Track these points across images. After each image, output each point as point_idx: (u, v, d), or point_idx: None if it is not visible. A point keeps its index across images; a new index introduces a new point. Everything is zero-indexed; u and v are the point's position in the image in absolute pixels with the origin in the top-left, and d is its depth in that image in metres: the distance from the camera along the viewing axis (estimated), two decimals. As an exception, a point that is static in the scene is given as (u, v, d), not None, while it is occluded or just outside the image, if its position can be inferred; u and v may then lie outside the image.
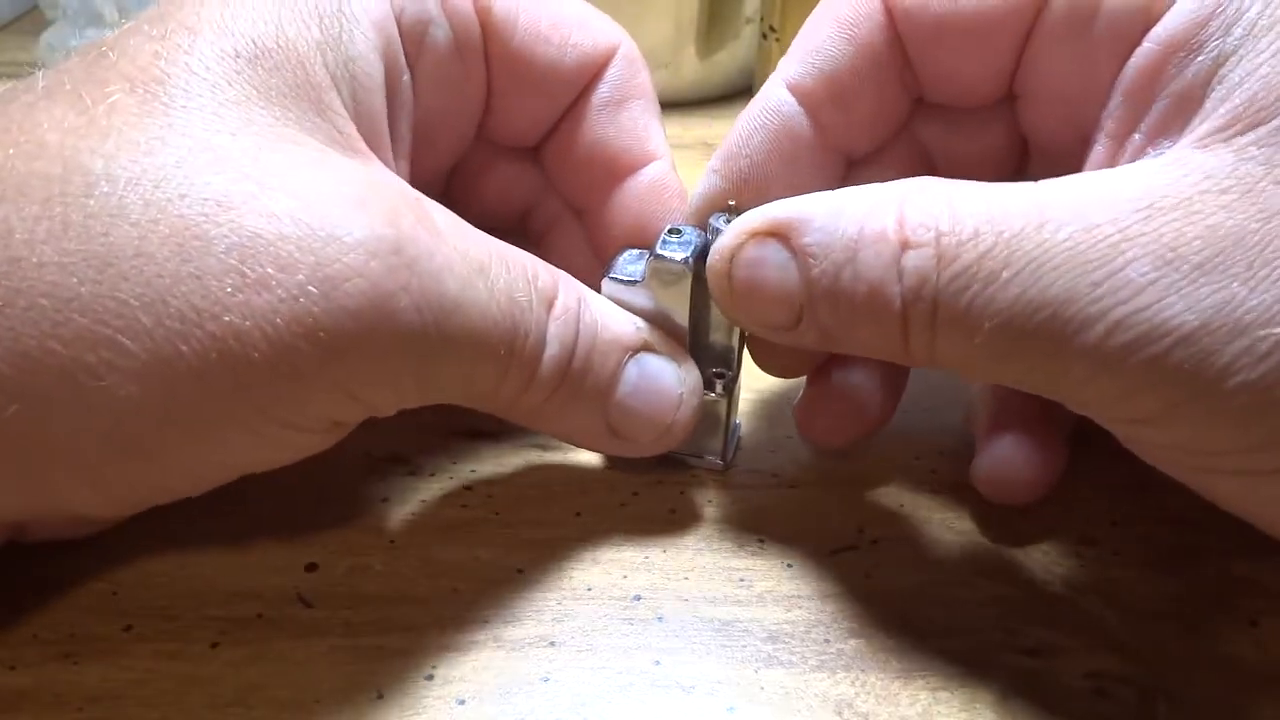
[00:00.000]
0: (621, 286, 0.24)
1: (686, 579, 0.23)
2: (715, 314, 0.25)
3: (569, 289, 0.23)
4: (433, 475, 0.26)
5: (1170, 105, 0.19)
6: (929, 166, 0.25)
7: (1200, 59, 0.19)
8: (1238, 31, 0.18)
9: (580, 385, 0.23)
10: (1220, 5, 0.19)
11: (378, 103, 0.22)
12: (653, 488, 0.26)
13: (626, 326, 0.24)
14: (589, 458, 0.27)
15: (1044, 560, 0.24)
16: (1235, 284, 0.17)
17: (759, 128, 0.23)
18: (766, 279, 0.21)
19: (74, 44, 0.50)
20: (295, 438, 0.20)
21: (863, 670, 0.21)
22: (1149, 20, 0.20)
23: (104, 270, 0.17)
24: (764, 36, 0.47)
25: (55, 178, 0.18)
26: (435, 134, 0.25)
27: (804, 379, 0.27)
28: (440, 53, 0.24)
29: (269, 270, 0.18)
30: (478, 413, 0.23)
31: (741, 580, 0.23)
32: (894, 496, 0.26)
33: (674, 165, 0.26)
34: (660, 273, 0.24)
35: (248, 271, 0.18)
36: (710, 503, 0.26)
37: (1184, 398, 0.17)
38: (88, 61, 0.20)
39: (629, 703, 0.21)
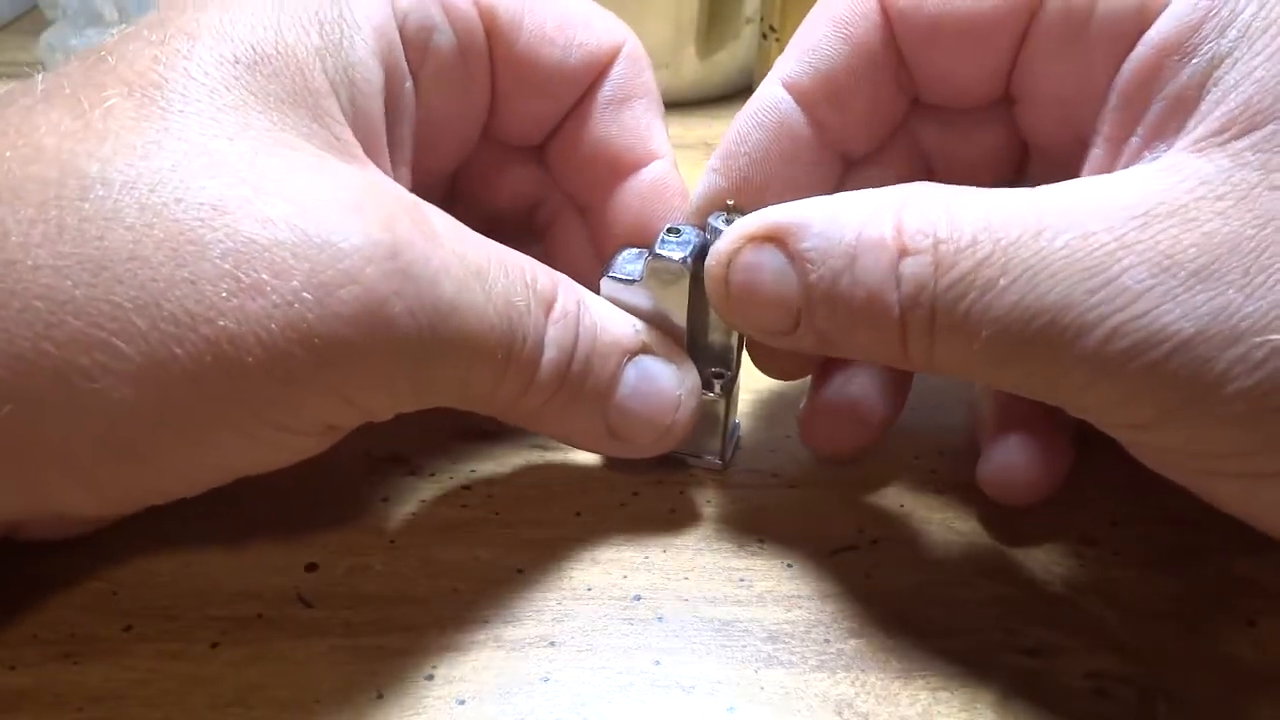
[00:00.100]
0: (620, 285, 0.24)
1: (686, 579, 0.23)
2: (714, 314, 0.25)
3: (568, 292, 0.23)
4: (433, 475, 0.26)
5: (1166, 108, 0.19)
6: (927, 167, 0.25)
7: (1195, 61, 0.19)
8: (1232, 34, 0.18)
9: (580, 388, 0.23)
10: (1214, 8, 0.19)
11: (377, 108, 0.22)
12: (653, 488, 0.26)
13: (625, 329, 0.24)
14: (589, 458, 0.27)
15: (1044, 560, 0.24)
16: (1231, 290, 0.17)
17: (757, 126, 0.24)
18: (764, 283, 0.21)
19: (74, 44, 0.50)
20: (290, 441, 0.20)
21: (863, 670, 0.21)
22: (1143, 23, 0.20)
23: (98, 274, 0.18)
24: (764, 36, 0.47)
25: (51, 181, 0.18)
26: (439, 137, 0.25)
27: (805, 382, 0.27)
28: (444, 58, 0.24)
29: (264, 276, 0.18)
30: (478, 413, 0.23)
31: (741, 580, 0.23)
32: (894, 496, 0.26)
33: (676, 164, 0.27)
34: (659, 272, 0.24)
35: (242, 277, 0.18)
36: (710, 503, 0.26)
37: (1182, 403, 0.17)
38: (86, 66, 0.20)
39: (629, 703, 0.21)
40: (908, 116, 0.25)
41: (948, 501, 0.26)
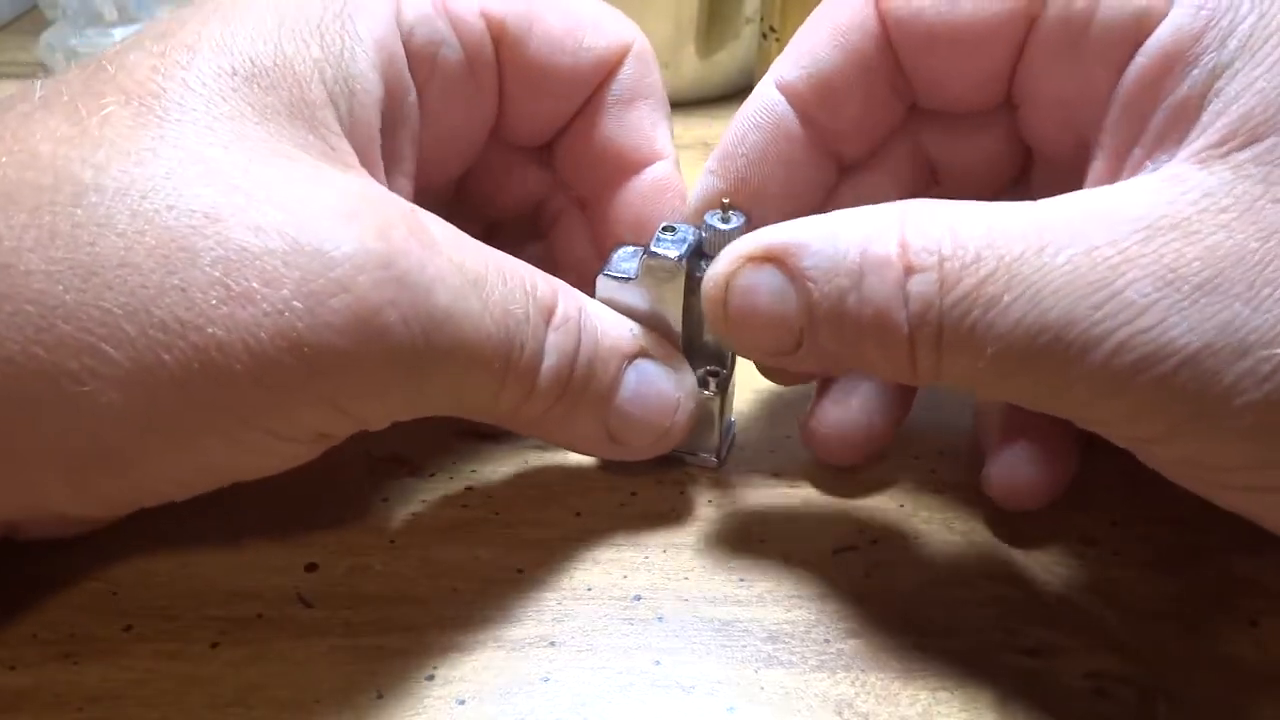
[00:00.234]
0: (616, 283, 0.24)
1: (686, 579, 0.23)
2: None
3: (569, 298, 0.23)
4: (433, 475, 0.26)
5: (1167, 118, 0.19)
6: (928, 171, 0.25)
7: (1196, 72, 0.18)
8: (1233, 44, 0.18)
9: (582, 393, 0.23)
10: (1215, 18, 0.18)
11: (376, 119, 0.22)
12: (653, 488, 0.26)
13: (624, 333, 0.24)
14: (588, 458, 0.27)
15: (1044, 560, 0.24)
16: (1237, 304, 0.16)
17: (753, 127, 0.24)
18: (763, 304, 0.20)
19: (74, 44, 0.50)
20: (280, 448, 0.20)
21: (863, 670, 0.21)
22: (1142, 32, 0.20)
23: (89, 279, 0.18)
24: (764, 36, 0.47)
25: (45, 187, 0.18)
26: (445, 145, 0.25)
27: (806, 385, 0.27)
28: (451, 71, 0.24)
29: (254, 285, 0.18)
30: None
31: (741, 580, 0.23)
32: (894, 496, 0.26)
33: (678, 164, 0.27)
34: (654, 270, 0.24)
35: (232, 285, 0.18)
36: (710, 503, 0.26)
37: (1190, 417, 0.17)
38: (86, 74, 0.20)
39: (629, 703, 0.21)
40: (909, 120, 0.25)
41: (948, 501, 0.26)
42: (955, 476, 0.26)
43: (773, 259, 0.20)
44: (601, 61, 0.26)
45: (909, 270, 0.18)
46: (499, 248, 0.22)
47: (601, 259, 0.25)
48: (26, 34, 0.61)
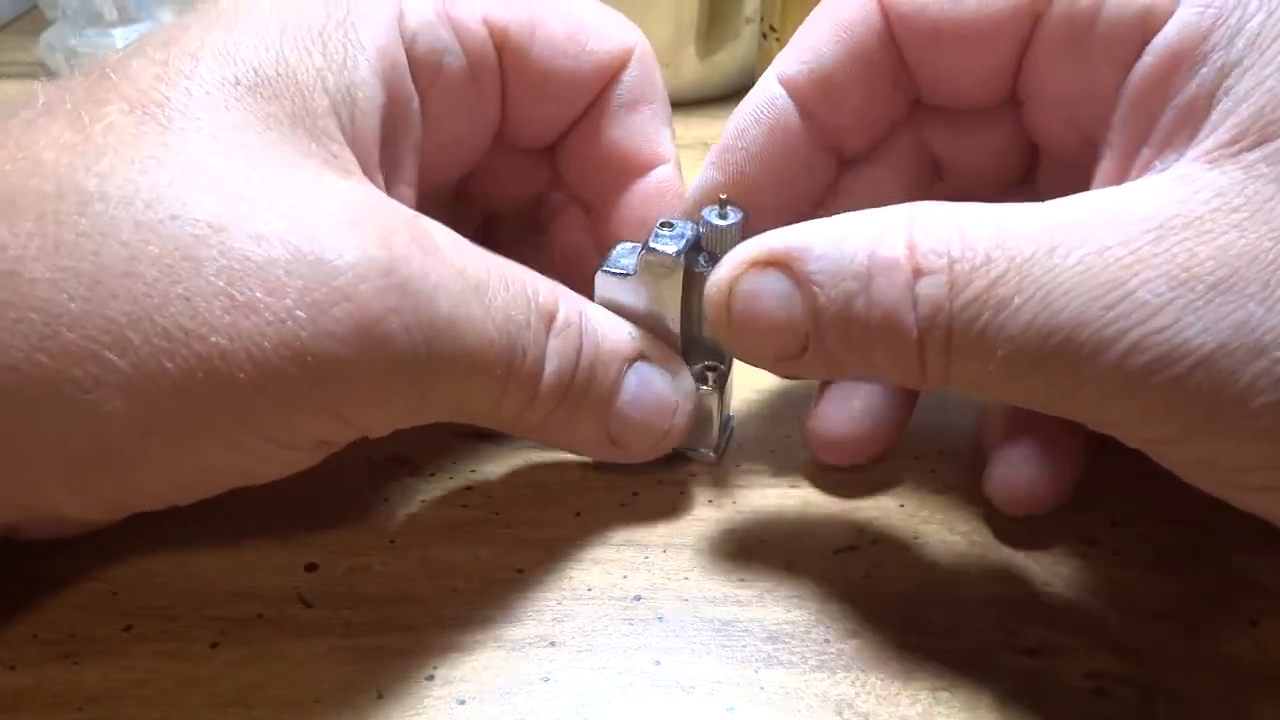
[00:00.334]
0: (614, 279, 0.24)
1: (686, 579, 0.23)
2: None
3: (569, 303, 0.23)
4: (433, 475, 0.26)
5: (1176, 117, 0.19)
6: (931, 166, 0.25)
7: (1204, 70, 0.18)
8: (1241, 42, 0.18)
9: (584, 398, 0.23)
10: (1222, 16, 0.18)
11: (379, 127, 0.22)
12: (653, 488, 0.26)
13: (623, 335, 0.24)
14: (589, 458, 0.27)
15: (1044, 560, 0.24)
16: (1251, 304, 0.16)
17: (754, 122, 0.24)
18: (768, 309, 0.20)
19: (74, 44, 0.50)
20: (282, 455, 0.20)
21: (863, 670, 0.21)
22: (1148, 30, 0.20)
23: (94, 288, 0.18)
24: (764, 36, 0.47)
25: (50, 195, 0.18)
26: (448, 151, 0.25)
27: (806, 380, 0.27)
28: (454, 78, 0.24)
29: (257, 294, 0.18)
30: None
31: (741, 580, 0.23)
32: (894, 496, 0.26)
33: (680, 167, 0.27)
34: (652, 266, 0.24)
35: (236, 294, 0.18)
36: (710, 503, 0.26)
37: (1205, 418, 0.17)
38: (89, 82, 0.20)
39: (629, 703, 0.21)
40: (914, 116, 0.24)
41: (948, 501, 0.25)
42: (956, 477, 0.26)
43: (777, 263, 0.20)
44: (604, 66, 0.26)
45: (918, 272, 0.18)
46: (499, 241, 0.22)
47: (601, 257, 0.25)
48: (26, 34, 0.61)
